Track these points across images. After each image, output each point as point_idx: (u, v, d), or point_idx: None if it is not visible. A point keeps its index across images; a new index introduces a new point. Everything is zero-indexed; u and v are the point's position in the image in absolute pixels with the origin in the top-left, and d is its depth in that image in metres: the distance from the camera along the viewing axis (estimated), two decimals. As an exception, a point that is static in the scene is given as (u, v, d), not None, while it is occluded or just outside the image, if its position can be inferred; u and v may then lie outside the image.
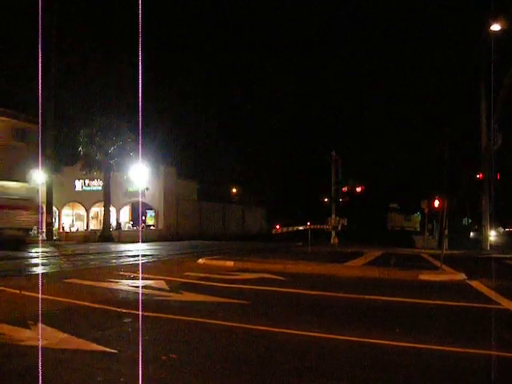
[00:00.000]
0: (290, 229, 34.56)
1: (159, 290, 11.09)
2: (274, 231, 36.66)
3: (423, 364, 5.87)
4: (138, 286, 11.69)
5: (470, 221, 42.00)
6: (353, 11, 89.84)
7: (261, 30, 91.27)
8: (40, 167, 40.89)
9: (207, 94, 70.74)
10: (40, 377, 4.96)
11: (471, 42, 29.98)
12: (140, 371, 5.17)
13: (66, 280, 12.75)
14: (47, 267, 16.94)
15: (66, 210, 51.82)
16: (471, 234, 38.73)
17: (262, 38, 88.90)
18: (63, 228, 49.92)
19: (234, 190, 72.94)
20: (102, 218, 45.43)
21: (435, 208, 32.02)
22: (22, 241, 27.77)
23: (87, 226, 50.26)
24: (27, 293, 10.33)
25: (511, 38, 24.80)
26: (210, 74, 79.25)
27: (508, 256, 25.19)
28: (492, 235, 44.40)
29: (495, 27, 26.55)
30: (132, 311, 8.39)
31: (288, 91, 78.37)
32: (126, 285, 12.08)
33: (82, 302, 9.36)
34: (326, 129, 72.45)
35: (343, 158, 42.04)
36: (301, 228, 33.34)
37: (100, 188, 45.96)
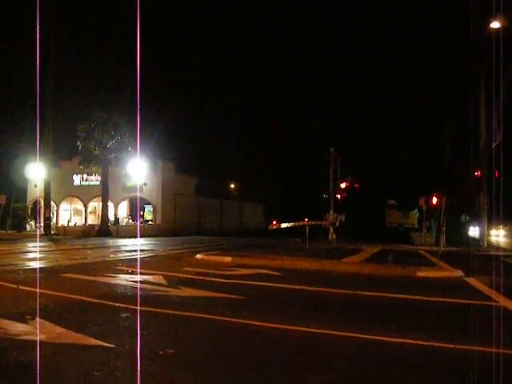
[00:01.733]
0: (287, 224, 34.56)
1: (157, 284, 11.10)
2: (270, 227, 36.66)
3: (420, 360, 5.89)
4: (135, 281, 11.70)
5: (467, 218, 41.98)
6: (353, 11, 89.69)
7: (261, 30, 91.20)
8: (38, 161, 40.84)
9: (206, 91, 70.76)
10: (37, 371, 4.96)
11: (471, 40, 29.93)
12: (137, 366, 5.18)
13: (63, 274, 12.75)
14: (45, 262, 16.94)
15: (64, 205, 51.73)
16: (472, 231, 38.69)
17: (262, 37, 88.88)
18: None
19: (233, 186, 72.86)
20: (100, 212, 45.38)
21: (433, 205, 32.06)
22: None
23: (85, 221, 50.19)
24: (24, 287, 10.33)
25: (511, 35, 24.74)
26: (210, 70, 79.20)
27: (505, 254, 25.22)
28: (500, 235, 44.05)
29: (495, 25, 26.51)
30: (130, 306, 8.40)
31: (288, 89, 78.38)
32: (123, 280, 12.09)
33: (79, 297, 9.37)
34: (326, 127, 72.38)
35: (342, 155, 41.99)
36: (298, 224, 33.39)
37: (98, 183, 45.88)
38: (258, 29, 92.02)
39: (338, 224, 38.33)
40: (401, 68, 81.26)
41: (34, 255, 20.17)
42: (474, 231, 38.21)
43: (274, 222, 37.73)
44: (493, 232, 44.11)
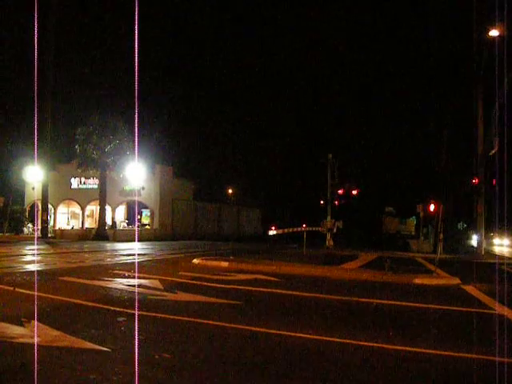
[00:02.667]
0: (286, 230, 34.55)
1: (153, 289, 11.08)
2: (269, 232, 36.64)
3: (416, 367, 5.89)
4: (132, 285, 11.68)
5: (465, 225, 42.03)
6: (351, 16, 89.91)
7: (257, 33, 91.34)
8: (36, 164, 40.81)
9: (205, 96, 70.96)
10: (33, 374, 4.95)
11: (470, 47, 30.08)
12: (133, 370, 5.17)
13: (60, 278, 12.73)
14: (41, 265, 16.91)
15: (61, 208, 51.66)
16: (475, 240, 38.38)
17: (259, 42, 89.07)
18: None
19: (230, 191, 72.94)
20: (97, 216, 45.28)
21: (430, 212, 32.07)
22: None
23: (82, 224, 50.11)
24: (21, 290, 10.31)
25: (509, 44, 24.83)
26: (210, 76, 79.35)
27: (502, 261, 25.25)
28: (504, 244, 43.72)
29: (493, 33, 26.60)
30: (126, 310, 8.39)
31: (287, 95, 78.56)
32: (120, 284, 12.07)
33: (75, 300, 9.35)
34: (324, 132, 72.63)
35: (340, 161, 42.05)
36: (296, 230, 33.40)
37: (96, 186, 45.85)
38: (255, 31, 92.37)
39: (335, 230, 38.34)
40: (399, 72, 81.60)
41: (31, 258, 20.13)
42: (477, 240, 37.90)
43: (273, 228, 37.75)
44: (496, 241, 43.78)
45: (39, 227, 42.85)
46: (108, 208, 45.68)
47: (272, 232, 34.71)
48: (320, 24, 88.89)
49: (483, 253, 31.50)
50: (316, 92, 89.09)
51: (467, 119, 32.44)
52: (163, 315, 8.17)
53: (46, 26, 39.40)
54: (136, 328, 6.98)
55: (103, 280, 12.55)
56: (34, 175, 41.80)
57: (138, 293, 10.40)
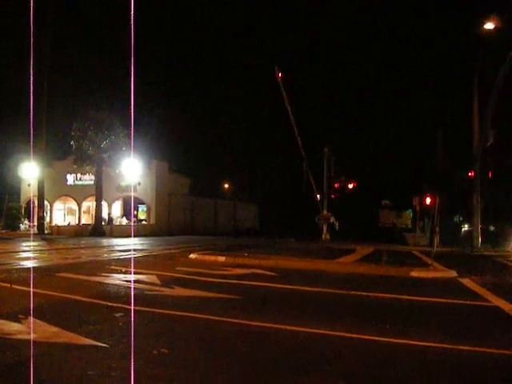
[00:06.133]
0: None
1: (151, 284, 11.08)
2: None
3: (413, 360, 5.91)
4: (129, 281, 11.67)
5: (461, 219, 42.02)
6: (348, 13, 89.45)
7: (257, 35, 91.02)
8: (32, 161, 40.71)
9: (201, 91, 70.83)
10: (31, 370, 4.95)
11: (465, 39, 30.12)
12: (131, 366, 5.17)
13: (57, 274, 12.71)
14: (38, 261, 16.88)
15: (57, 204, 51.59)
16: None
17: (258, 42, 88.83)
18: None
19: (226, 186, 72.87)
20: (93, 212, 45.25)
21: (427, 205, 32.13)
22: None
23: (79, 221, 50.05)
24: (18, 286, 10.29)
25: (505, 36, 24.82)
26: (204, 70, 79.14)
27: (498, 254, 25.33)
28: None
29: (489, 25, 26.59)
30: (123, 305, 8.38)
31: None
32: (117, 279, 12.06)
33: (73, 296, 9.34)
34: (321, 128, 72.44)
35: (337, 155, 42.02)
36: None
37: (92, 182, 45.75)
38: (255, 31, 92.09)
39: (332, 220, 38.45)
40: (396, 65, 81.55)
41: (28, 255, 20.10)
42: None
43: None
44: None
45: (35, 224, 42.78)
46: (104, 204, 45.63)
47: None
48: (320, 24, 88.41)
49: (480, 246, 31.54)
50: (315, 91, 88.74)
51: (465, 114, 32.45)
52: (161, 310, 8.17)
53: (43, 21, 39.21)
54: (134, 323, 6.97)
55: (100, 276, 12.55)
56: (29, 172, 41.70)
57: (136, 288, 10.39)
